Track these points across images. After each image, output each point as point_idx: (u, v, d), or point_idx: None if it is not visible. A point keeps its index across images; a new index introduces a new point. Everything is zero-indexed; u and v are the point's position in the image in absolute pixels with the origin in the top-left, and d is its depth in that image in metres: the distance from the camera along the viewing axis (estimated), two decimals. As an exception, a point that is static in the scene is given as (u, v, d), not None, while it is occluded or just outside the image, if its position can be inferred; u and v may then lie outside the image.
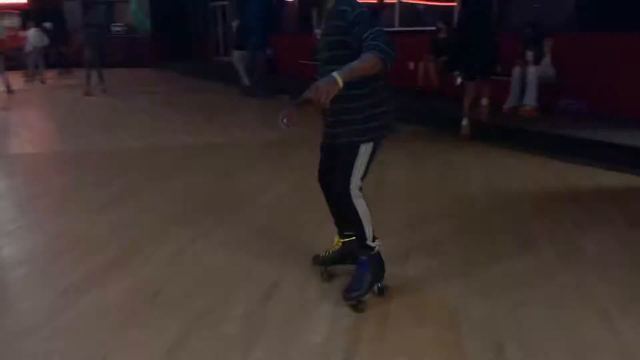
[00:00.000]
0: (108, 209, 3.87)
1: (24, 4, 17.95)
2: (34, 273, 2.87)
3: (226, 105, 9.35)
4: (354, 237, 2.50)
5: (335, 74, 1.94)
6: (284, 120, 2.38)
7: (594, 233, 3.22)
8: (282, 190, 4.19)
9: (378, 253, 2.41)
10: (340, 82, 1.93)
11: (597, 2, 6.04)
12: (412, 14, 9.72)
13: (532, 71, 6.08)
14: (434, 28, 7.95)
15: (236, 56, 9.92)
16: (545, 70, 6.20)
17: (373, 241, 2.39)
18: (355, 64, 1.97)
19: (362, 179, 2.32)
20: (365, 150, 2.27)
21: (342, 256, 2.61)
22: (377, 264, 2.41)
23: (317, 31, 11.46)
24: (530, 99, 6.15)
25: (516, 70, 6.34)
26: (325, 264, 2.66)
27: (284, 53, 12.94)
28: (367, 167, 2.32)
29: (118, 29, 18.83)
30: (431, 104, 7.37)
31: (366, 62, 1.97)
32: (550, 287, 2.55)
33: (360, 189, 2.32)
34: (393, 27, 9.27)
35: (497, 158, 5.10)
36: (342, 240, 2.61)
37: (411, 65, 8.42)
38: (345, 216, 2.44)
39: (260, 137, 6.30)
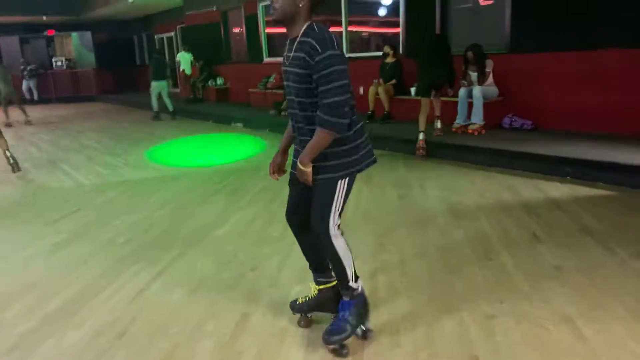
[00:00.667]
0: (61, 249, 3.69)
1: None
2: (-18, 324, 2.68)
3: (177, 135, 9.19)
4: (331, 284, 2.39)
5: (299, 161, 2.08)
6: (275, 175, 2.38)
7: (550, 242, 3.35)
8: (240, 221, 4.14)
9: (362, 293, 2.30)
10: (308, 166, 2.06)
11: (529, 25, 6.45)
12: (359, 40, 10.01)
13: (476, 91, 6.36)
14: (380, 53, 8.20)
15: (152, 86, 11.04)
16: (488, 90, 6.50)
17: (355, 281, 2.27)
18: (311, 145, 2.04)
19: (340, 215, 2.21)
20: (342, 185, 2.16)
21: (320, 304, 2.43)
22: (361, 305, 2.29)
23: (268, 59, 11.59)
24: (477, 118, 6.42)
25: (462, 91, 6.61)
26: (302, 312, 2.47)
27: (235, 82, 12.97)
28: (344, 203, 2.21)
29: (59, 63, 18.29)
30: (383, 126, 7.54)
31: (320, 140, 2.01)
32: (516, 298, 2.62)
33: (339, 226, 2.21)
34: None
35: (452, 174, 5.26)
36: (318, 287, 2.43)
37: (361, 90, 8.63)
38: (325, 256, 2.31)
39: (215, 167, 6.22)
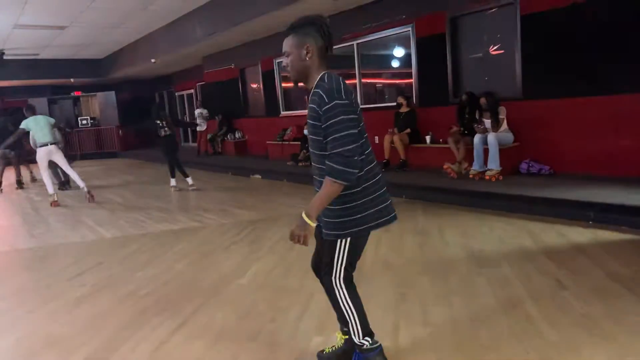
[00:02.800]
0: (83, 303, 3.73)
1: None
2: (6, 380, 2.69)
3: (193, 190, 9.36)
4: None
5: (304, 214, 1.97)
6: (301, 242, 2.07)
7: (576, 288, 3.28)
8: (259, 271, 4.15)
9: (373, 350, 2.27)
10: (311, 222, 1.96)
11: (540, 72, 6.56)
12: (373, 92, 10.26)
13: (491, 137, 6.41)
14: (395, 103, 8.38)
15: None
16: (504, 136, 6.55)
17: (364, 337, 2.26)
18: (320, 196, 1.98)
19: (349, 269, 2.20)
20: (343, 244, 2.13)
21: (347, 353, 2.43)
22: None
23: (285, 113, 11.93)
24: (494, 164, 6.43)
25: (476, 138, 6.67)
26: None
27: (253, 135, 13.29)
28: (351, 258, 2.18)
29: (84, 121, 19.04)
30: (400, 174, 7.60)
31: (328, 192, 1.97)
32: (543, 347, 2.55)
33: (349, 279, 2.20)
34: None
35: (471, 221, 5.23)
36: (345, 337, 2.45)
37: (376, 139, 8.76)
38: (334, 306, 2.31)
39: (233, 219, 6.29)
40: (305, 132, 9.79)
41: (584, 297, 3.13)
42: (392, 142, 8.00)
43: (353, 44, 9.54)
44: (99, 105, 19.53)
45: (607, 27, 5.85)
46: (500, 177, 6.38)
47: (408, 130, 8.07)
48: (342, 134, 1.94)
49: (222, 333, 3.02)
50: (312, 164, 2.21)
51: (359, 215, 2.09)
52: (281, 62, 11.68)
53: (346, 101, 1.97)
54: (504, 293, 3.30)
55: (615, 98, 5.88)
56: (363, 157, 2.06)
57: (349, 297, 2.21)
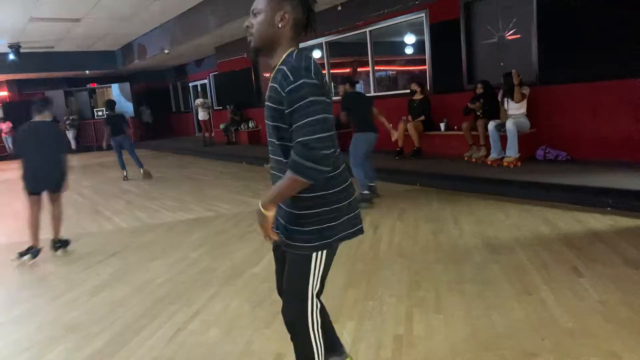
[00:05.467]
0: (101, 291, 3.80)
1: (5, 96, 18.36)
2: (28, 366, 2.76)
3: (209, 179, 9.42)
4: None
5: (260, 203, 1.67)
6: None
7: (593, 275, 3.24)
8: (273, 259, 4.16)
9: None
10: (267, 213, 1.66)
11: (557, 57, 6.44)
12: (387, 79, 10.18)
13: (510, 124, 6.32)
14: (408, 91, 8.30)
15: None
16: (521, 122, 6.46)
17: None
18: (277, 188, 1.66)
19: (319, 290, 1.84)
20: (320, 259, 1.76)
21: None
22: None
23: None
24: (512, 150, 6.35)
25: (491, 125, 6.59)
26: None
27: (264, 125, 13.28)
28: (323, 277, 1.82)
29: (100, 113, 19.23)
30: (414, 162, 7.55)
31: (288, 186, 1.62)
32: (558, 334, 2.53)
33: (317, 311, 1.82)
34: (370, 92, 9.67)
35: (486, 208, 5.18)
36: None
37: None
38: (295, 346, 1.89)
39: (247, 208, 6.32)
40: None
41: (601, 284, 3.09)
42: (405, 129, 7.95)
43: (366, 31, 9.45)
44: (115, 97, 19.72)
45: (626, 9, 5.70)
46: (519, 164, 6.31)
47: (422, 117, 8.00)
48: (309, 119, 1.55)
49: (237, 320, 3.05)
50: (270, 155, 1.81)
51: (334, 223, 1.73)
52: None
53: (316, 81, 1.59)
54: (519, 280, 3.27)
55: (635, 82, 5.75)
56: (336, 150, 1.69)
57: (319, 337, 1.83)
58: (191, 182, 8.99)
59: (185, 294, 3.57)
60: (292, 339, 1.86)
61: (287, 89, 1.59)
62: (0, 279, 4.47)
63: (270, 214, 1.67)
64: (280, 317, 3.05)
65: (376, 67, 9.71)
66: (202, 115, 14.80)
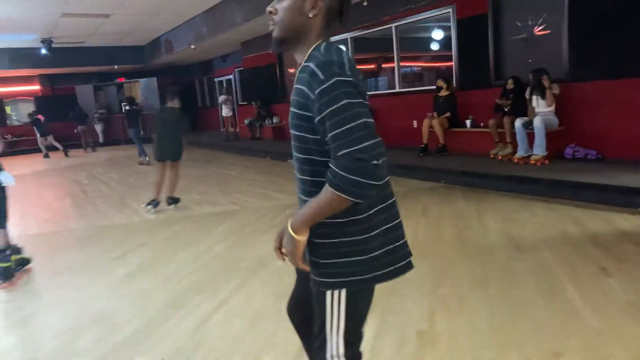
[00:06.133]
0: (128, 282, 3.89)
1: (37, 90, 18.85)
2: (60, 350, 2.85)
3: (234, 173, 9.52)
4: None
5: (289, 224, 1.37)
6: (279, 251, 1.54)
7: (622, 276, 3.18)
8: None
9: None
10: (299, 237, 1.35)
11: (589, 53, 6.29)
12: (412, 75, 10.10)
13: (537, 121, 6.21)
14: (434, 87, 8.22)
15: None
16: (549, 119, 6.33)
17: None
18: (313, 206, 1.33)
19: (353, 337, 1.49)
20: (336, 300, 1.43)
21: None
22: None
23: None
24: (539, 148, 6.24)
25: (518, 122, 6.48)
26: None
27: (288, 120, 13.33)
28: (353, 321, 1.46)
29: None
30: (438, 159, 7.49)
31: (325, 204, 1.30)
32: (584, 334, 2.50)
33: (355, 357, 1.50)
34: (394, 88, 9.62)
35: (511, 206, 5.11)
36: None
37: (415, 123, 8.64)
38: None
39: (271, 202, 6.37)
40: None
41: (630, 285, 3.03)
42: (431, 126, 7.88)
43: (392, 27, 9.39)
44: (142, 91, 20.05)
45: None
46: (546, 162, 6.20)
47: (448, 114, 7.92)
48: (350, 125, 1.24)
49: (261, 312, 3.09)
50: (295, 174, 1.51)
51: (363, 257, 1.39)
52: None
53: (351, 79, 1.31)
54: (544, 279, 3.23)
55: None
56: (386, 160, 1.28)
57: None
58: (216, 176, 9.12)
59: (210, 285, 3.63)
60: None
61: (317, 90, 1.29)
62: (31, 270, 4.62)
63: (303, 238, 1.36)
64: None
65: (401, 63, 9.63)
66: (225, 111, 15.17)
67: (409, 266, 1.48)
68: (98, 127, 18.48)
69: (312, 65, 1.33)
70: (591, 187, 5.08)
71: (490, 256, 3.76)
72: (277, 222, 5.34)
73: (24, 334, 3.11)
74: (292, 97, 1.40)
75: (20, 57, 15.46)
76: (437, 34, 9.13)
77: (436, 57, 9.59)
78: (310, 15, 1.41)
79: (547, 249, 3.80)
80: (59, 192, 8.95)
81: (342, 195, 1.26)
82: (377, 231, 1.40)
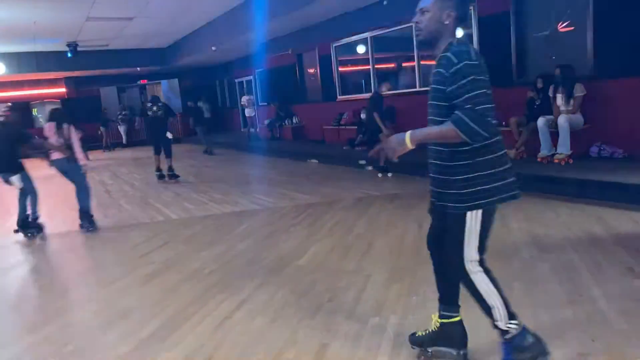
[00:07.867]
0: (152, 280, 3.96)
1: (63, 92, 19.26)
2: (83, 348, 2.92)
3: (254, 173, 9.60)
4: (454, 319, 2.26)
5: (408, 134, 1.95)
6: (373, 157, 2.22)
7: (648, 277, 3.11)
8: (319, 253, 4.22)
9: (519, 334, 2.09)
10: (409, 144, 1.94)
11: (614, 50, 6.15)
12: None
13: (562, 120, 6.10)
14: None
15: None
16: (574, 118, 6.22)
17: (508, 321, 2.09)
18: (432, 130, 1.95)
19: (480, 250, 2.08)
20: (473, 218, 2.02)
21: (441, 339, 2.30)
22: (525, 346, 2.09)
23: (342, 97, 11.93)
24: (564, 147, 6.13)
25: (540, 121, 6.38)
26: (423, 346, 2.34)
27: (310, 120, 13.39)
28: (482, 237, 2.06)
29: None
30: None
31: (442, 132, 1.90)
32: (610, 335, 2.45)
33: (480, 261, 2.09)
34: (415, 88, 9.57)
35: (535, 206, 5.04)
36: (440, 321, 2.30)
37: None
38: (451, 288, 2.24)
39: (292, 202, 6.40)
40: (363, 116, 9.75)
41: (658, 286, 2.96)
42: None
43: (412, 26, 9.33)
44: (164, 93, 20.33)
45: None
46: (571, 161, 6.09)
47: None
48: (475, 92, 1.84)
49: (282, 311, 3.12)
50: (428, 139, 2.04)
51: (490, 185, 1.96)
52: (339, 46, 11.67)
53: (476, 62, 1.90)
54: (569, 280, 3.18)
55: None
56: (496, 121, 1.91)
57: (487, 281, 2.08)
58: (237, 176, 9.20)
59: (232, 283, 3.67)
60: (449, 278, 2.23)
61: (452, 70, 1.89)
62: (58, 265, 4.74)
63: (411, 147, 1.95)
64: (324, 308, 3.10)
65: (422, 62, 9.57)
66: (248, 111, 15.40)
67: (515, 196, 2.03)
68: (121, 129, 18.80)
69: (449, 54, 1.94)
70: (618, 187, 4.97)
71: (514, 256, 3.72)
72: (297, 221, 5.37)
73: (55, 329, 3.19)
74: (433, 77, 2.02)
75: (48, 60, 15.85)
76: (458, 32, 9.03)
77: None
78: (446, 22, 2.02)
79: (571, 249, 3.74)
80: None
81: (458, 130, 1.83)
82: (497, 169, 1.98)
